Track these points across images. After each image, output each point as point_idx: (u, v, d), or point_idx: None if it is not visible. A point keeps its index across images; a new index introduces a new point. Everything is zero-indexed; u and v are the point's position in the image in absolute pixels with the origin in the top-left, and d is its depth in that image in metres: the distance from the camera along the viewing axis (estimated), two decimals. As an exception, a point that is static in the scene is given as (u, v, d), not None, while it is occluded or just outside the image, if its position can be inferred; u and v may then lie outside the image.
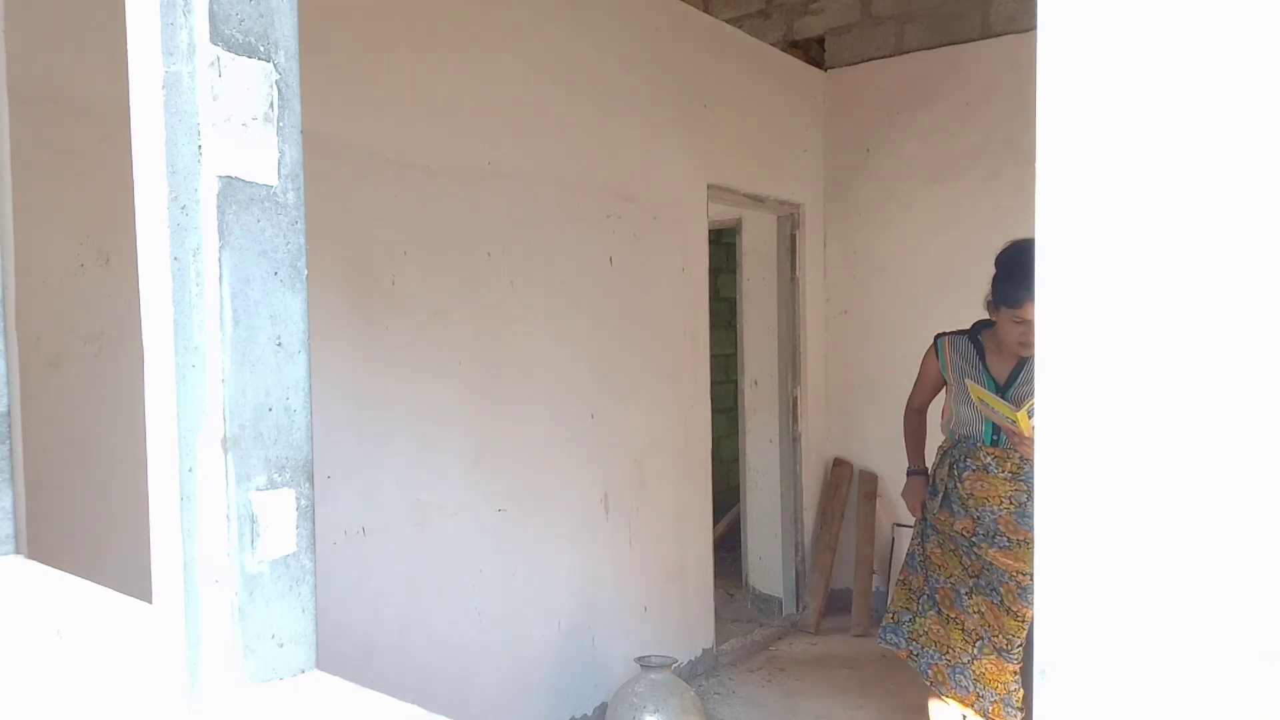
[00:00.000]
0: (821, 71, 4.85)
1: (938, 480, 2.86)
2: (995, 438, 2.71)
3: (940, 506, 2.82)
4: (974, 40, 4.44)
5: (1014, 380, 2.66)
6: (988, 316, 2.75)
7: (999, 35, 4.36)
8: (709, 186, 4.01)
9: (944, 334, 2.89)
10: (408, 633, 2.78)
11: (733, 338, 5.57)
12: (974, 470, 2.73)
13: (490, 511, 3.04)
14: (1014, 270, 2.52)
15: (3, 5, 1.28)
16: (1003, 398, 2.63)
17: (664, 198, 3.77)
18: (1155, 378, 0.40)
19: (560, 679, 3.30)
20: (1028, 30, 4.13)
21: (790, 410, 4.69)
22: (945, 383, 2.89)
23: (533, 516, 3.19)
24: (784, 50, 4.72)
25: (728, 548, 5.19)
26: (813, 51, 4.91)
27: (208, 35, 0.76)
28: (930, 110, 4.51)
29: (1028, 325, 2.52)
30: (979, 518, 2.72)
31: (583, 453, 3.40)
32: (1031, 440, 2.41)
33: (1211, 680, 0.39)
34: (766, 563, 4.80)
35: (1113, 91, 0.41)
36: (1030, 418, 2.46)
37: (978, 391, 2.61)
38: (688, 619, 3.95)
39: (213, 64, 0.77)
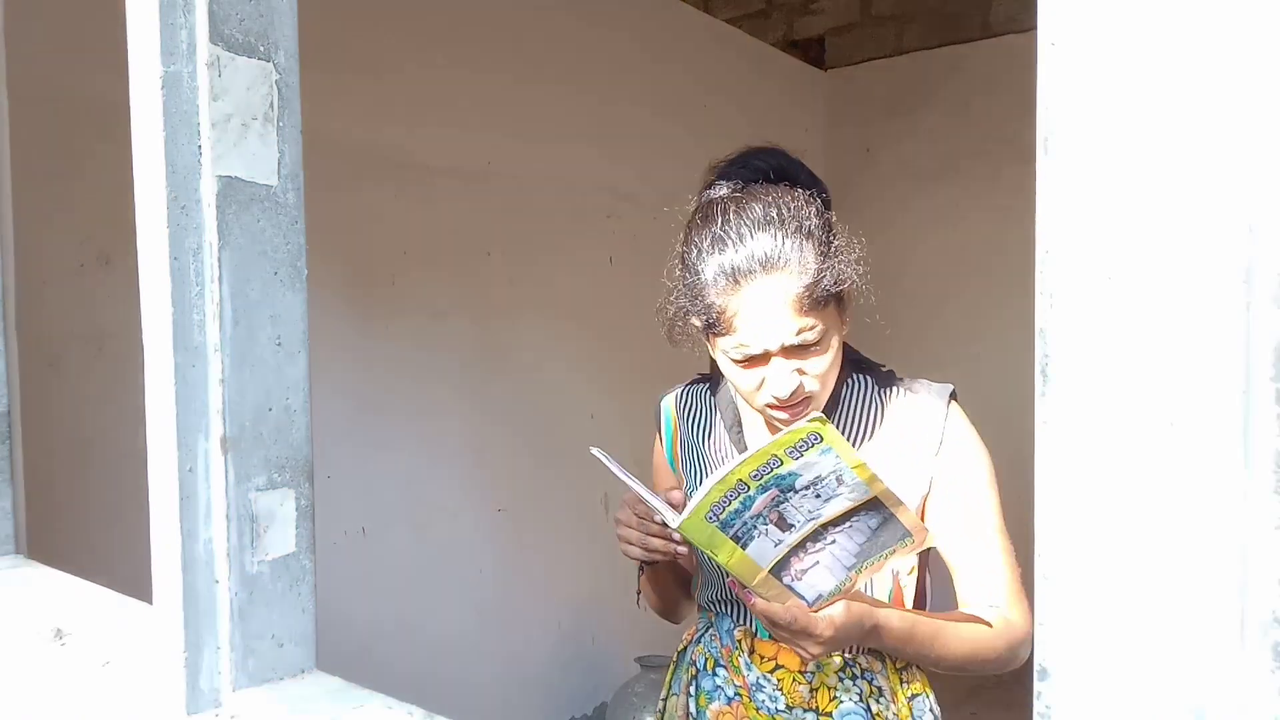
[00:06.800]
0: (821, 71, 4.84)
1: None
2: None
3: None
4: (974, 40, 4.44)
5: None
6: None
7: (999, 35, 4.36)
8: (709, 186, 4.01)
9: (668, 392, 1.48)
10: (408, 633, 2.78)
11: (733, 338, 5.55)
12: (729, 700, 1.28)
13: (490, 511, 3.04)
14: (719, 245, 1.13)
15: (2, 5, 1.28)
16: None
17: (664, 198, 3.76)
18: (1160, 374, 0.40)
19: (560, 679, 3.30)
20: (1028, 30, 4.13)
21: (790, 410, 4.68)
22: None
23: (533, 516, 3.19)
24: (784, 50, 4.72)
25: (728, 548, 5.18)
26: (813, 51, 4.91)
27: (207, 35, 0.76)
28: (930, 110, 4.51)
29: (760, 361, 1.13)
30: None
31: (583, 453, 3.38)
32: (795, 628, 0.98)
33: (1215, 680, 0.39)
34: (766, 563, 4.80)
35: (1114, 91, 0.41)
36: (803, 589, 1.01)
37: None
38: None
39: (213, 64, 0.77)
